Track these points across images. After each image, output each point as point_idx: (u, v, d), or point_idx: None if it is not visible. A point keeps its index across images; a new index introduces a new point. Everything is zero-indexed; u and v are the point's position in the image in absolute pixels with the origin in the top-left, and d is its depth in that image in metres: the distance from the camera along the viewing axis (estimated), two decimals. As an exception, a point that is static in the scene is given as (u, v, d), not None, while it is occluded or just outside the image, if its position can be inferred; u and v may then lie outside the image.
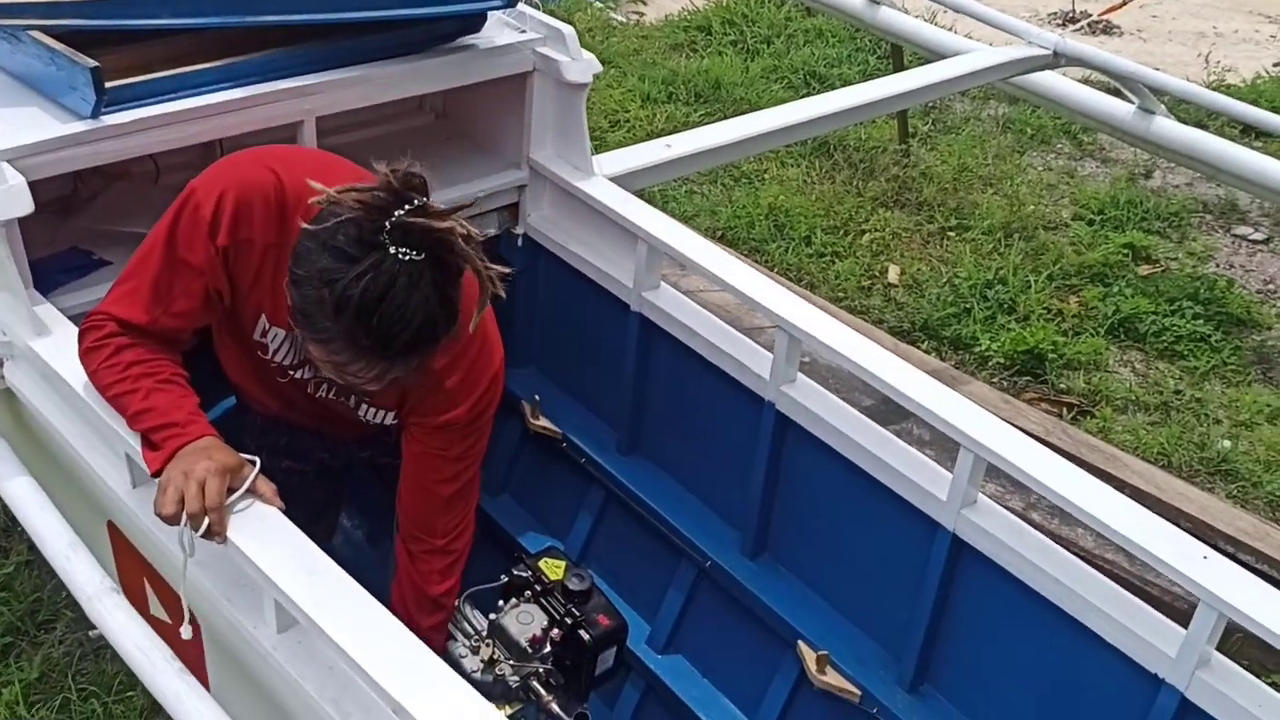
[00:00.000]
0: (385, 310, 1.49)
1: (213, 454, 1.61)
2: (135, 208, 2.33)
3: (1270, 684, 1.80)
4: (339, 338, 1.53)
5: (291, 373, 1.94)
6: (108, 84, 1.97)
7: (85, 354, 1.78)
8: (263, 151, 1.82)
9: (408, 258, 1.49)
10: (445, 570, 2.07)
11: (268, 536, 1.61)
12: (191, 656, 1.79)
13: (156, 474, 1.62)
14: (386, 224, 1.48)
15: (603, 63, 2.55)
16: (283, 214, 1.72)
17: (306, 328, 1.57)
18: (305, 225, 1.52)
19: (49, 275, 2.11)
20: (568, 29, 2.47)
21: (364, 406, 1.96)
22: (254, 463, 1.65)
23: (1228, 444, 3.56)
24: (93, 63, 1.95)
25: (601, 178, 2.58)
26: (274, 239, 1.73)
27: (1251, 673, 1.80)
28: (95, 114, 2.00)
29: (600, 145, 2.70)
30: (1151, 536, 1.82)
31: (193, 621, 1.66)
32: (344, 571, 1.57)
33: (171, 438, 1.63)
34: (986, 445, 1.96)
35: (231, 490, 1.61)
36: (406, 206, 1.50)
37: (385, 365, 1.56)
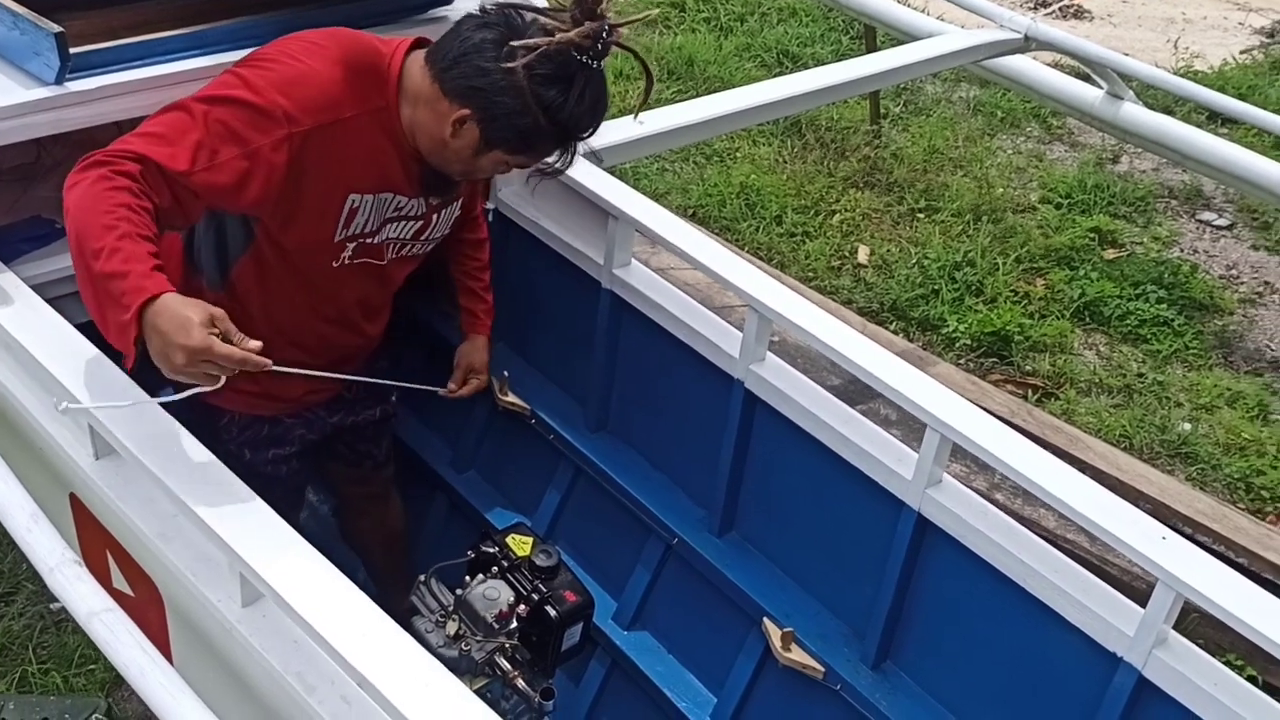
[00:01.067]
0: (596, 112, 1.86)
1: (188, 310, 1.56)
2: (99, 176, 2.30)
3: (1225, 663, 1.83)
4: (553, 143, 1.88)
5: (366, 239, 1.99)
6: (72, 49, 1.95)
7: (84, 174, 1.66)
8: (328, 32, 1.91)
9: (598, 65, 1.80)
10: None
11: (233, 510, 1.60)
12: (154, 629, 1.78)
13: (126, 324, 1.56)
14: (581, 48, 1.76)
15: (575, 38, 2.53)
16: (357, 83, 1.85)
17: (519, 149, 1.87)
18: (506, 65, 1.74)
19: (10, 244, 2.08)
20: (540, 2, 2.45)
21: (404, 232, 2.06)
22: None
23: (1188, 427, 3.61)
24: (57, 27, 1.92)
25: (573, 153, 2.57)
26: (359, 114, 1.85)
27: (1207, 652, 1.84)
28: (59, 80, 1.96)
29: (572, 121, 2.68)
30: (1112, 517, 1.85)
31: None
32: (310, 545, 1.57)
33: (132, 291, 1.56)
34: (952, 425, 1.97)
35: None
36: (588, 24, 1.75)
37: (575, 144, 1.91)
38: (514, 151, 1.89)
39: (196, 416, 1.83)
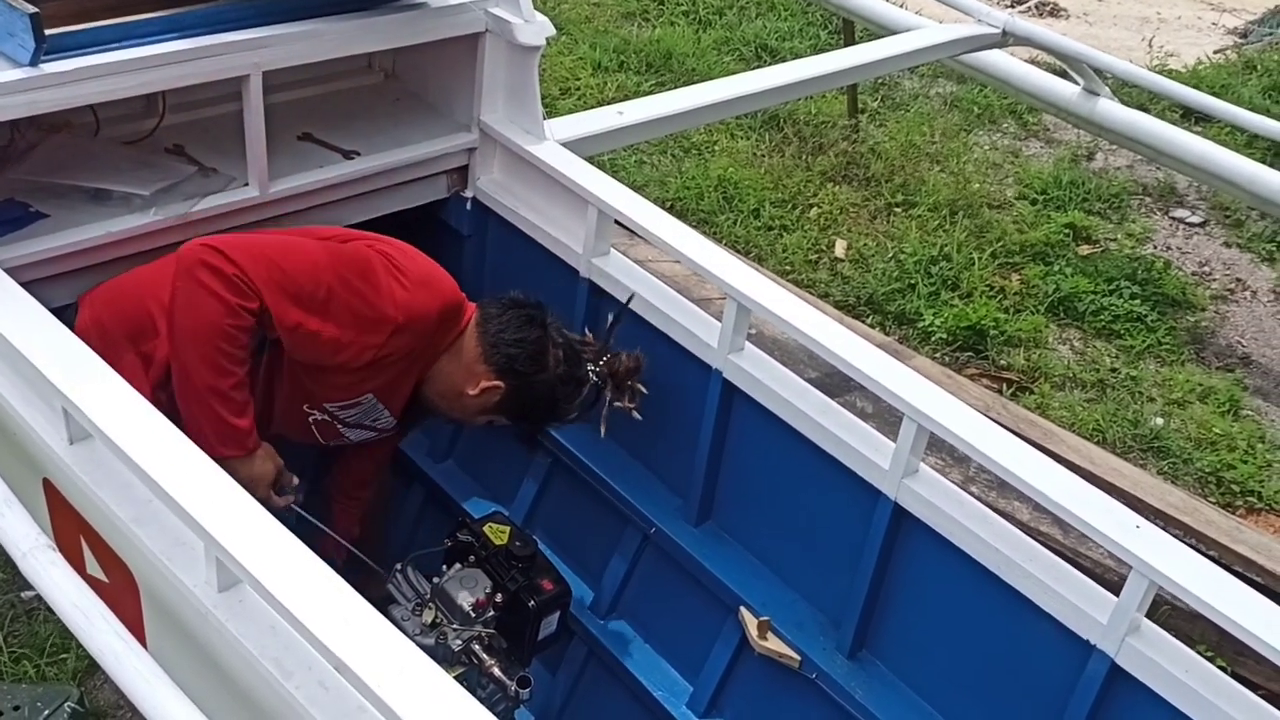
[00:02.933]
0: (581, 414, 2.26)
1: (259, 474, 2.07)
2: (74, 160, 2.28)
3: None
4: (542, 424, 2.27)
5: (337, 424, 2.24)
6: (48, 31, 1.92)
7: (224, 322, 1.93)
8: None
9: (598, 385, 2.26)
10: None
11: (209, 494, 1.59)
12: (129, 616, 1.76)
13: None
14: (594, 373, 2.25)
15: (554, 29, 2.52)
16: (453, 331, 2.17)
17: (518, 420, 2.23)
18: (551, 364, 2.17)
19: (-17, 227, 2.06)
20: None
21: (351, 436, 2.30)
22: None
23: (1160, 421, 3.64)
24: (32, 8, 1.89)
25: (553, 142, 2.57)
26: (411, 352, 2.12)
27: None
28: (34, 62, 1.94)
29: (551, 113, 2.67)
30: (1086, 506, 1.86)
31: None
32: (288, 530, 1.56)
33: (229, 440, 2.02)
34: (929, 415, 1.99)
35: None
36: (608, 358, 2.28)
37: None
38: (512, 420, 2.23)
39: None
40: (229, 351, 1.96)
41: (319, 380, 2.13)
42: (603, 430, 2.28)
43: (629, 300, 2.34)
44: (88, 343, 1.93)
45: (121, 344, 2.05)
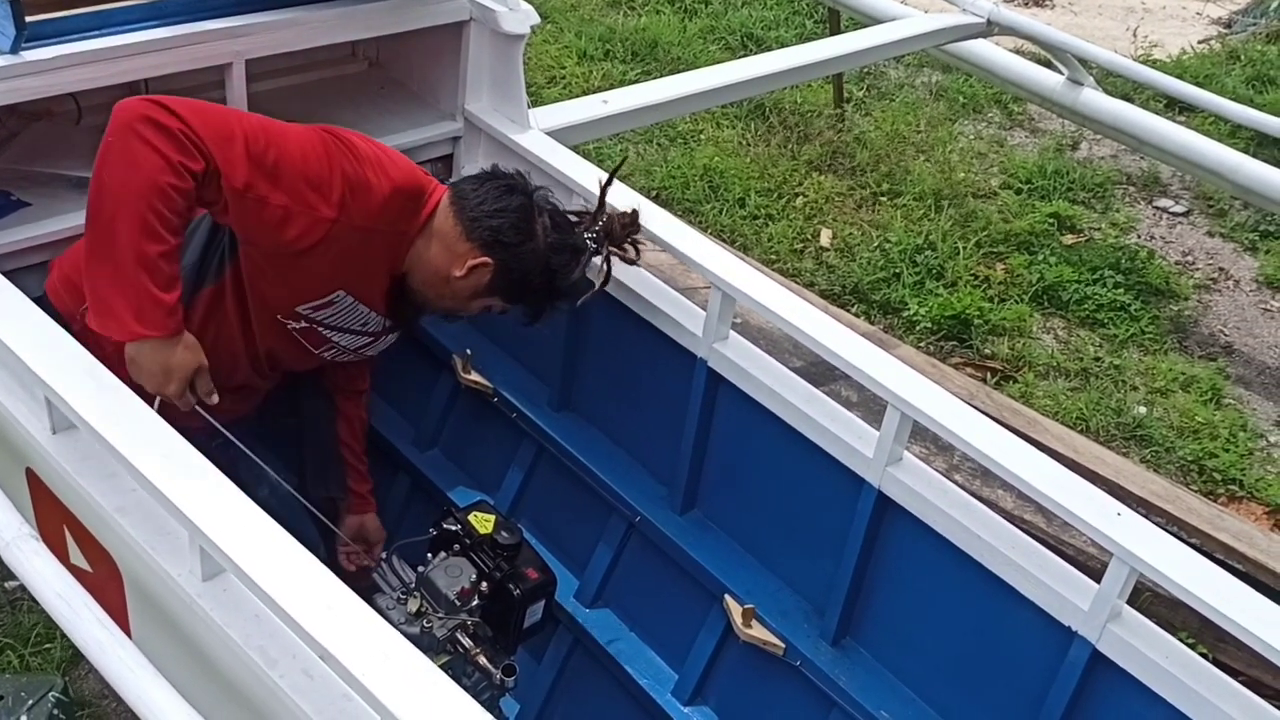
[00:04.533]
0: (581, 287, 2.17)
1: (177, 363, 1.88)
2: (56, 148, 2.27)
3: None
4: (541, 302, 2.14)
5: (319, 328, 2.11)
6: (28, 18, 1.91)
7: (159, 179, 1.75)
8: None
9: (595, 249, 2.17)
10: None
11: (193, 484, 1.59)
12: (113, 606, 1.76)
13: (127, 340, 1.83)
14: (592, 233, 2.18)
15: (539, 18, 2.52)
16: (405, 206, 2.02)
17: (514, 299, 2.11)
18: (536, 229, 2.05)
19: (-36, 215, 2.05)
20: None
21: (343, 342, 2.19)
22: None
23: (1143, 410, 3.66)
24: (12, -5, 1.88)
25: (538, 131, 2.57)
26: (367, 228, 1.98)
27: (1158, 629, 1.87)
28: (14, 49, 1.93)
29: (536, 101, 2.67)
30: (1068, 494, 1.88)
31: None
32: (272, 519, 1.56)
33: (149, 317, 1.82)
34: (913, 404, 1.99)
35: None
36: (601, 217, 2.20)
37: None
38: (508, 300, 2.12)
39: None
40: (164, 215, 1.76)
41: (282, 280, 2.01)
42: (600, 282, 2.19)
43: (621, 162, 2.25)
44: (56, 302, 1.91)
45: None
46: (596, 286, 2.22)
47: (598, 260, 2.21)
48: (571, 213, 2.19)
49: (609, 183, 2.25)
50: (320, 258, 1.96)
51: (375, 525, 2.47)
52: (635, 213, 2.23)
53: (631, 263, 2.24)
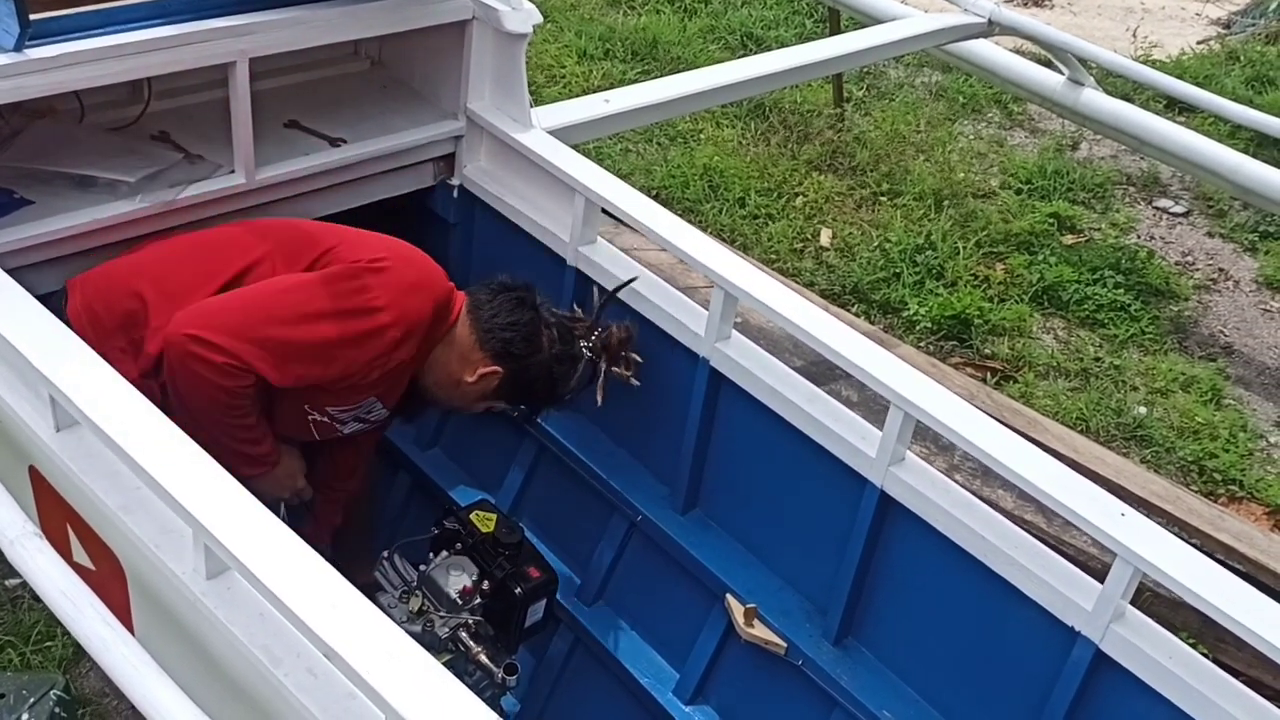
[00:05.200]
0: (578, 390, 2.27)
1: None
2: (59, 147, 2.26)
3: (1178, 639, 1.87)
4: (542, 404, 2.30)
5: (333, 423, 2.24)
6: (32, 16, 1.91)
7: (224, 399, 2.00)
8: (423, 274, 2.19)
9: (592, 359, 2.27)
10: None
11: (198, 482, 1.59)
12: (116, 603, 1.76)
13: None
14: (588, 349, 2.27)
15: (541, 16, 2.52)
16: (431, 327, 2.15)
17: (517, 402, 2.27)
18: (545, 345, 2.19)
19: (-33, 213, 2.05)
20: None
21: (344, 429, 2.29)
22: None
23: (1143, 410, 3.66)
24: (16, -8, 1.88)
25: (540, 130, 2.56)
26: (414, 355, 2.14)
27: (1160, 629, 1.87)
28: (18, 47, 1.93)
29: (537, 101, 2.66)
30: (1071, 494, 1.88)
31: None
32: (276, 518, 1.56)
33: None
34: (916, 403, 2.00)
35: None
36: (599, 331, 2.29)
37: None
38: (511, 402, 2.26)
39: None
40: (238, 415, 2.03)
41: (325, 394, 2.15)
42: (599, 398, 2.28)
43: (628, 281, 2.34)
44: (79, 329, 1.93)
45: (113, 332, 2.05)
46: (583, 387, 2.29)
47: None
48: (570, 316, 2.31)
49: (611, 296, 2.32)
50: (371, 384, 2.13)
51: (289, 470, 2.31)
52: (631, 329, 2.31)
53: (625, 379, 2.32)
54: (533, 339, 2.17)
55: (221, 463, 1.93)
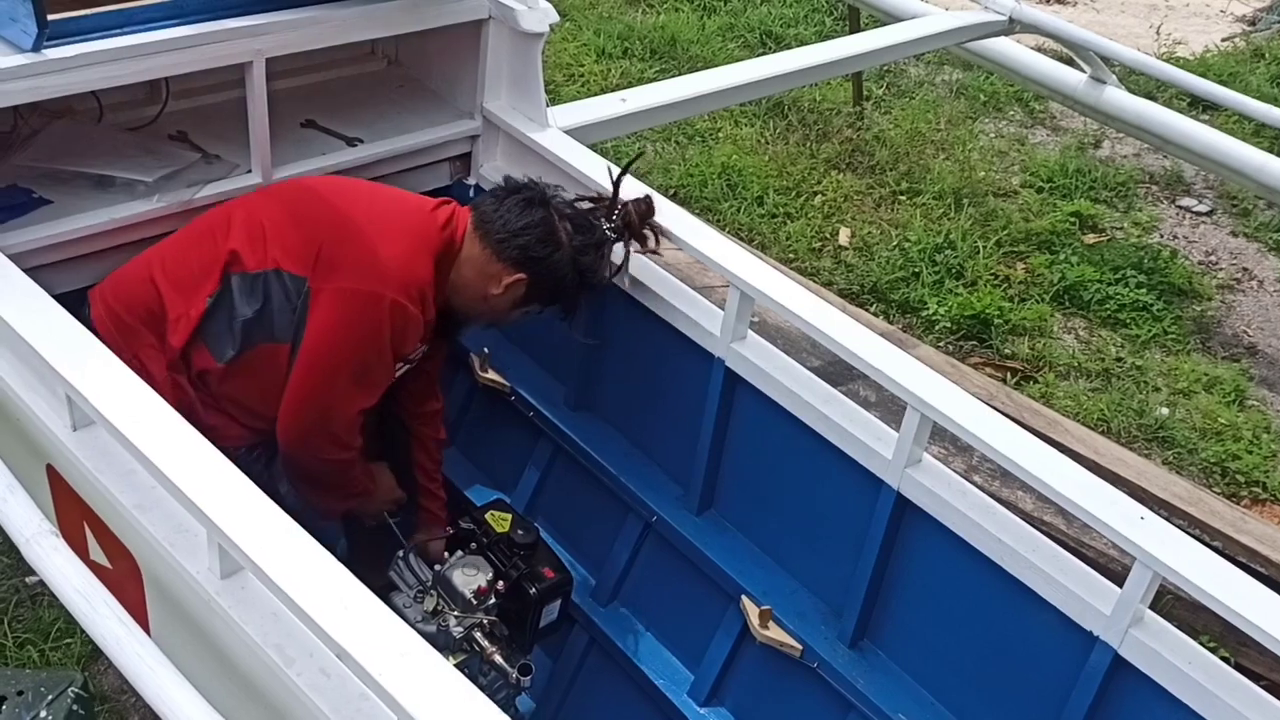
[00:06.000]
0: (608, 269, 2.26)
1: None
2: (78, 146, 2.28)
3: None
4: (577, 296, 2.23)
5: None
6: (50, 16, 1.92)
7: (341, 480, 2.18)
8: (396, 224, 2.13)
9: (614, 236, 2.25)
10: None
11: (213, 482, 1.59)
12: (132, 602, 1.77)
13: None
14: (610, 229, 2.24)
15: (558, 15, 2.51)
16: (436, 264, 2.12)
17: (551, 302, 2.22)
18: (561, 240, 2.13)
19: (-13, 213, 2.06)
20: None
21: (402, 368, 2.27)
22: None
23: (1165, 411, 3.63)
24: (34, -7, 1.89)
25: (556, 130, 2.56)
26: (439, 285, 2.13)
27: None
28: (37, 47, 1.94)
29: (554, 99, 2.66)
30: (1091, 497, 1.86)
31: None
32: (290, 519, 1.56)
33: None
34: (933, 405, 1.98)
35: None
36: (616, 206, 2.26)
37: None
38: (546, 304, 2.22)
39: None
40: (348, 477, 2.20)
41: None
42: (626, 281, 2.27)
43: (637, 157, 2.29)
44: (105, 335, 1.94)
45: (138, 330, 2.06)
46: (618, 268, 2.29)
47: (619, 246, 2.28)
48: (585, 199, 2.25)
49: (624, 173, 2.29)
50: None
51: (438, 548, 2.41)
52: (649, 198, 2.28)
53: (653, 252, 2.29)
54: (549, 238, 2.12)
55: (326, 510, 2.20)
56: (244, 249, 2.05)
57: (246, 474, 2.15)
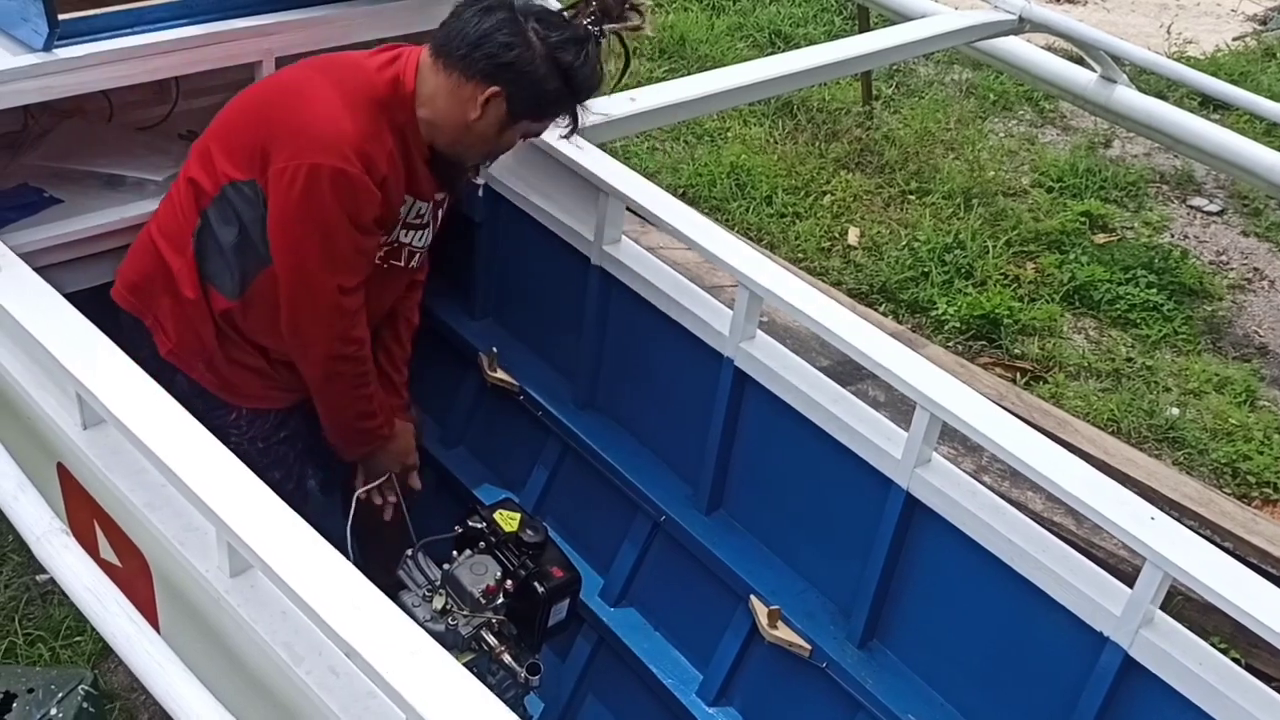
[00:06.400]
0: (598, 75, 2.08)
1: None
2: (88, 146, 2.29)
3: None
4: (567, 106, 2.07)
5: (394, 242, 2.16)
6: (61, 16, 1.93)
7: (355, 384, 2.13)
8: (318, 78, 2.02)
9: (600, 31, 2.04)
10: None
11: (222, 480, 1.60)
12: (142, 600, 1.77)
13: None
14: (590, 24, 2.04)
15: (568, 14, 2.51)
16: (379, 111, 1.99)
17: (540, 116, 2.07)
18: (528, 38, 1.96)
19: (-2, 212, 2.07)
20: None
21: (415, 240, 2.23)
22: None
23: (1176, 411, 3.62)
24: (45, -7, 1.90)
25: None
26: (394, 131, 2.01)
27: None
28: (47, 47, 1.95)
29: (564, 97, 2.66)
30: (1101, 497, 1.85)
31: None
32: (299, 517, 1.56)
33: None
34: (942, 404, 1.97)
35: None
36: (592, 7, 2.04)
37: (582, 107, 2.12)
38: (536, 119, 2.07)
39: (202, 407, 2.00)
40: (360, 384, 2.14)
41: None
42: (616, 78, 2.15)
43: None
44: (125, 308, 2.03)
45: (153, 293, 2.08)
46: (625, 65, 2.18)
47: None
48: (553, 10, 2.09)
49: None
50: (404, 190, 2.08)
51: (407, 443, 2.36)
52: None
53: (637, 29, 2.10)
54: (515, 38, 1.96)
55: (341, 442, 2.18)
56: (200, 176, 2.02)
57: (275, 453, 2.24)
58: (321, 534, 1.56)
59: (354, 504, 2.20)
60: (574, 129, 2.12)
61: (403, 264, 2.22)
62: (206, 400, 2.11)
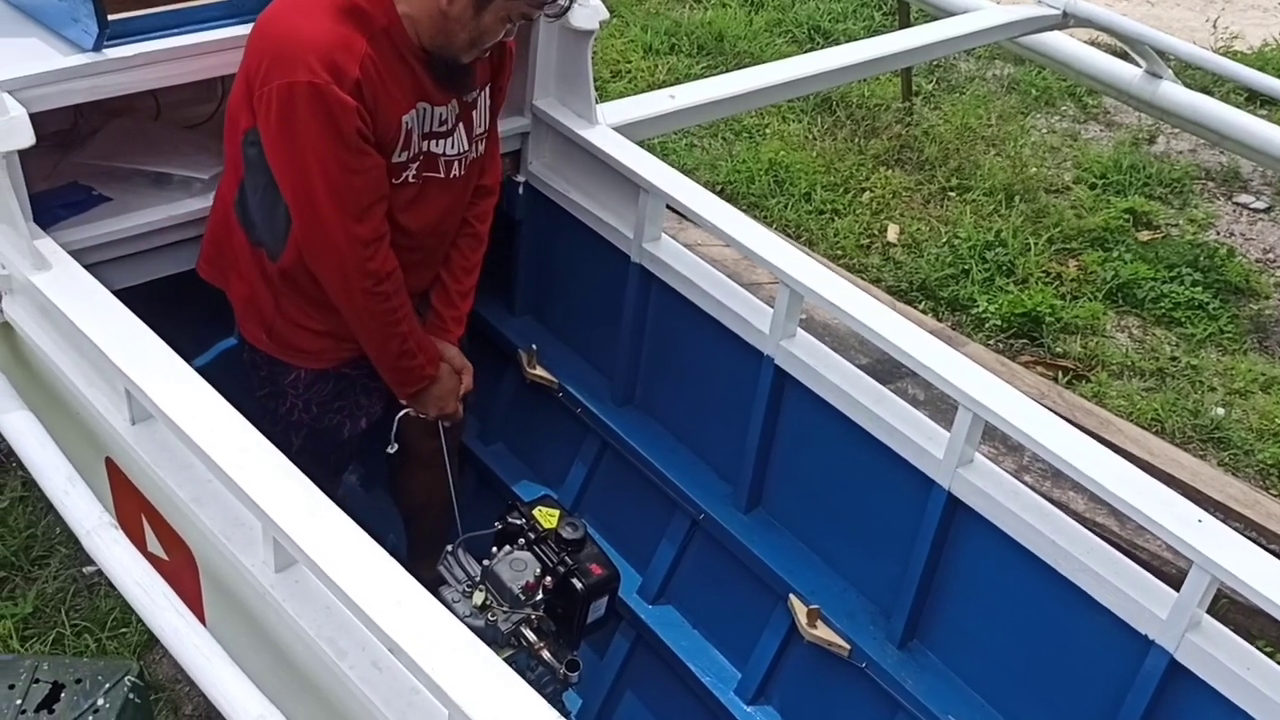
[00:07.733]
0: None
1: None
2: (136, 144, 2.31)
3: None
4: None
5: (422, 154, 2.07)
6: (110, 17, 1.95)
7: (385, 321, 2.07)
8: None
9: None
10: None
11: (267, 475, 1.61)
12: (188, 593, 1.79)
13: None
14: None
15: (607, 12, 2.51)
16: (344, 16, 1.89)
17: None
18: None
19: (48, 210, 2.10)
20: None
21: (448, 148, 2.12)
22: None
23: (1221, 411, 3.57)
24: (95, -7, 1.92)
25: (605, 127, 2.56)
26: (370, 36, 1.90)
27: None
28: (97, 47, 1.97)
29: (601, 96, 2.66)
30: (1146, 499, 1.83)
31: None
32: (344, 512, 1.58)
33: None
34: (985, 404, 1.96)
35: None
36: None
37: None
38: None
39: (265, 373, 2.13)
40: (396, 321, 2.07)
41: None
42: None
43: None
44: (207, 276, 2.17)
45: (228, 255, 2.13)
46: None
47: None
48: None
49: None
50: (375, 114, 1.95)
51: (458, 355, 2.29)
52: None
53: None
54: None
55: (389, 378, 2.15)
56: (229, 146, 2.03)
57: (328, 420, 2.24)
58: (363, 528, 1.57)
59: (395, 424, 2.23)
60: (563, 5, 2.00)
61: (443, 175, 2.11)
62: (272, 366, 2.17)
